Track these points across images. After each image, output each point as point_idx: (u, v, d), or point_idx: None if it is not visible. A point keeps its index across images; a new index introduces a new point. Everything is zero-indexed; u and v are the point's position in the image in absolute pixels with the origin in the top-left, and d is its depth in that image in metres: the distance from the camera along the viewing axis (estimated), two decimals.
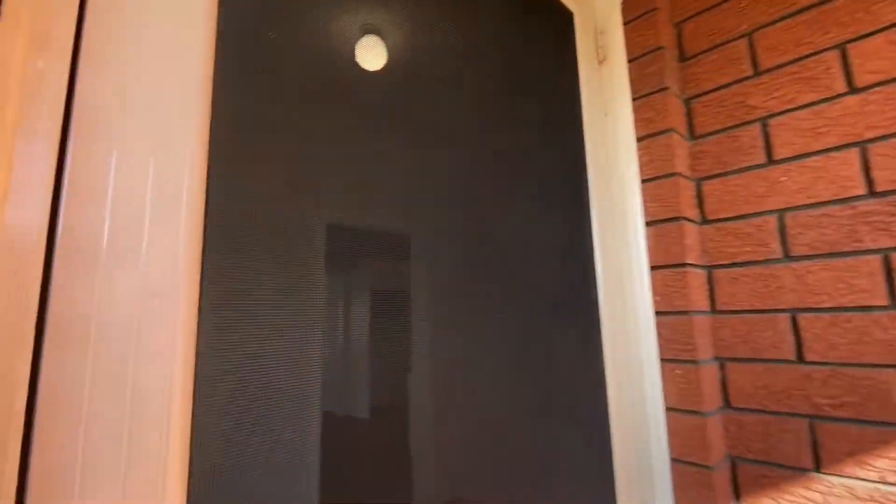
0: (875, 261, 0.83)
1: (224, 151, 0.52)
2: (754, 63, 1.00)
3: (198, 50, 0.51)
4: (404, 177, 0.72)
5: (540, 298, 0.90)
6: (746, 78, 1.01)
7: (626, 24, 1.14)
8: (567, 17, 1.12)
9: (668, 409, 0.97)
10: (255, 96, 0.56)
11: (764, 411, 0.92)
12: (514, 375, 0.82)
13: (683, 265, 0.97)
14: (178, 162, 0.47)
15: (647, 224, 1.04)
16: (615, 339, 1.01)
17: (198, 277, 0.47)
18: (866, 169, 0.85)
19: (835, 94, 0.89)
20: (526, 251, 0.89)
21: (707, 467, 0.90)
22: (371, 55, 0.72)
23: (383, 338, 0.65)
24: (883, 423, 0.80)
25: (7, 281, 0.36)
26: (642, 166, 1.06)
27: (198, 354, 0.47)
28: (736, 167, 1.00)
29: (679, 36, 1.13)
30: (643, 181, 1.06)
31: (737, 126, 1.01)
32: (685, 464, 0.93)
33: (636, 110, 1.09)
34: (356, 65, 0.69)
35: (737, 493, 0.94)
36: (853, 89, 0.87)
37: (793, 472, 0.87)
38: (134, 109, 0.45)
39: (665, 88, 1.05)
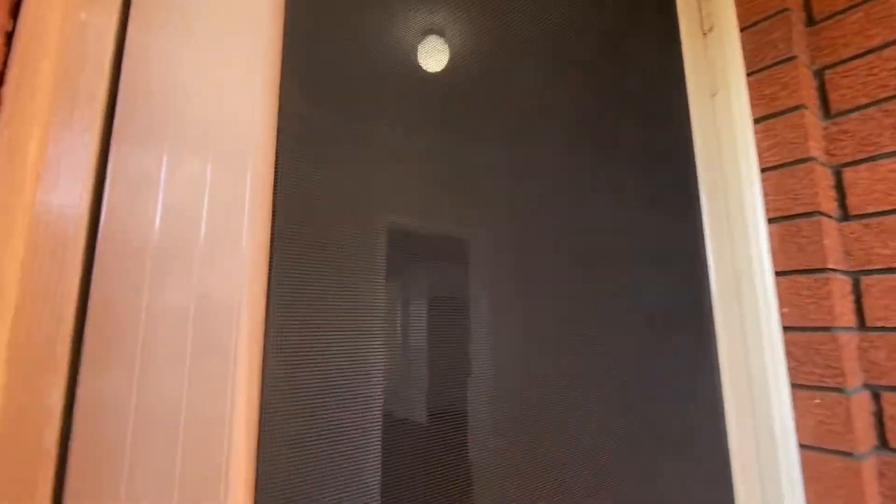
0: None
1: (290, 152, 0.45)
2: None
3: (264, 47, 0.44)
4: (475, 177, 0.62)
5: (640, 309, 0.76)
6: None
7: None
8: None
9: (803, 447, 0.79)
10: (320, 99, 0.49)
11: None
12: (607, 395, 0.70)
13: (823, 270, 0.79)
14: (239, 162, 0.40)
15: (770, 221, 0.87)
16: (733, 360, 0.85)
17: (264, 286, 0.40)
18: None
19: None
20: (622, 254, 0.76)
21: None
22: (438, 48, 0.63)
23: (458, 348, 0.56)
24: None
25: (42, 267, 0.30)
26: (762, 152, 0.89)
27: (263, 373, 0.39)
28: (891, 149, 0.81)
29: None
30: (763, 170, 0.88)
31: (892, 98, 0.81)
32: None
33: (752, 87, 0.92)
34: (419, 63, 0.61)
35: None
36: None
37: None
38: (192, 98, 0.38)
39: (792, 58, 0.87)
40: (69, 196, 0.32)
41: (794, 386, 0.81)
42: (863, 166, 0.84)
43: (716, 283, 0.86)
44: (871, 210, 0.82)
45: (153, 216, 0.35)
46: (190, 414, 0.34)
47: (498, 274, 0.61)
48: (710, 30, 0.96)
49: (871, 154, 0.83)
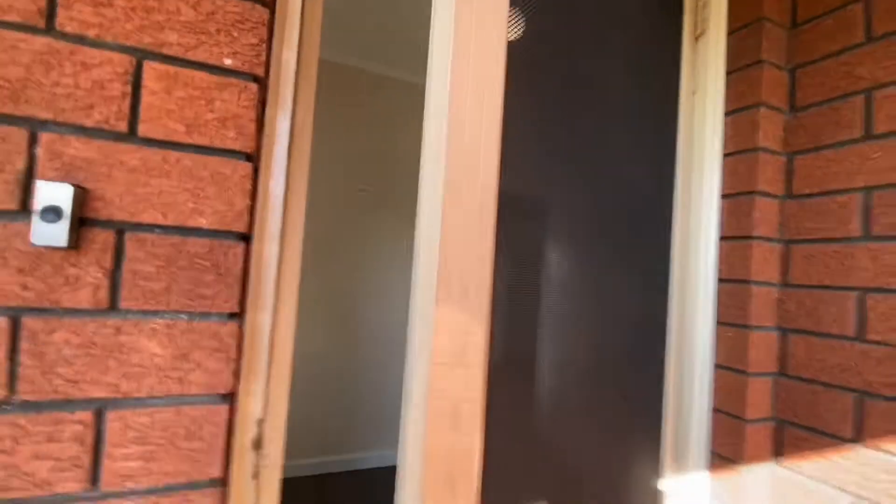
0: None
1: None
2: (868, 29, 0.94)
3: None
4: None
5: (627, 258, 1.07)
6: (857, 45, 0.95)
7: None
8: None
9: (717, 366, 1.07)
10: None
11: (815, 381, 0.96)
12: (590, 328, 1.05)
13: (749, 237, 1.02)
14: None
15: (724, 197, 1.09)
16: (681, 303, 1.13)
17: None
18: None
19: None
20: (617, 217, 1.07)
21: (743, 419, 1.00)
22: None
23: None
24: None
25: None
26: (726, 141, 1.10)
27: None
28: (830, 142, 0.98)
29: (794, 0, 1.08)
30: (725, 155, 1.10)
31: (839, 98, 0.97)
32: (723, 413, 1.04)
33: (730, 84, 1.11)
34: None
35: (778, 452, 1.01)
36: None
37: (833, 440, 0.92)
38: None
39: (760, 61, 1.05)
40: None
41: (719, 322, 1.08)
42: (809, 155, 1.02)
43: (675, 243, 1.12)
44: (806, 191, 1.01)
45: None
46: None
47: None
48: (702, 34, 1.15)
49: (816, 145, 1.01)
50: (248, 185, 0.55)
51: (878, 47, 0.92)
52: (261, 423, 0.66)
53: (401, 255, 2.97)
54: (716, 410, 1.06)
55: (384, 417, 2.89)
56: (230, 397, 0.55)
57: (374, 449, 2.86)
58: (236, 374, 0.55)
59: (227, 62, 0.55)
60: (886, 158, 0.89)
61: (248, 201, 0.54)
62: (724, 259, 1.08)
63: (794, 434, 0.99)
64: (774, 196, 1.05)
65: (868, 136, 0.92)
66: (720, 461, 1.04)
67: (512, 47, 0.91)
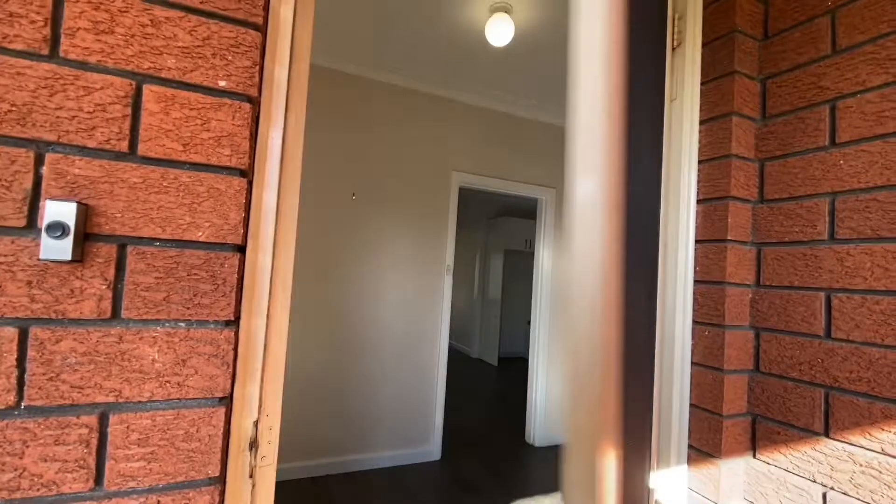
0: None
1: None
2: (833, 42, 0.99)
3: None
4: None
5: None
6: (824, 57, 1.00)
7: (706, 6, 1.18)
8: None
9: (694, 364, 1.12)
10: None
11: (786, 377, 1.01)
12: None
13: (724, 241, 1.07)
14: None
15: (699, 202, 1.14)
16: (664, 304, 1.17)
17: None
18: None
19: None
20: None
21: (720, 415, 1.05)
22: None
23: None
24: (892, 401, 0.85)
25: None
26: (702, 148, 1.15)
27: None
28: (798, 149, 1.03)
29: (766, 12, 1.13)
30: (700, 162, 1.15)
31: (806, 107, 1.03)
32: (700, 409, 1.09)
33: (704, 94, 1.16)
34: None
35: (754, 446, 1.06)
36: None
37: (803, 433, 0.97)
38: None
39: (733, 72, 1.10)
40: None
41: (695, 322, 1.12)
42: (777, 162, 1.07)
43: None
44: (776, 196, 1.07)
45: None
46: None
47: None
48: (678, 45, 1.20)
49: (784, 152, 1.06)
50: (243, 199, 0.58)
51: (841, 59, 0.97)
52: (256, 424, 0.69)
53: (395, 260, 3.00)
54: (693, 406, 1.11)
55: (378, 419, 2.92)
56: (227, 400, 0.58)
57: (368, 451, 2.89)
58: (232, 378, 0.58)
59: (222, 84, 0.58)
60: (849, 165, 0.94)
61: (242, 214, 0.58)
62: (700, 261, 1.13)
63: (767, 428, 1.04)
64: (747, 201, 1.10)
65: (833, 144, 0.97)
66: (697, 455, 1.09)
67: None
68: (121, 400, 0.53)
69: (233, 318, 0.57)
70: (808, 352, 0.98)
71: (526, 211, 6.50)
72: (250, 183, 0.65)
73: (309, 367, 2.73)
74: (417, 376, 3.06)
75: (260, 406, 0.72)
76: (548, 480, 2.88)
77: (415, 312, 3.06)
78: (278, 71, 0.71)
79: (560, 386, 3.53)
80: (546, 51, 2.56)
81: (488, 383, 5.42)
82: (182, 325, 0.55)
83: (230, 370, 0.57)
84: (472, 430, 3.72)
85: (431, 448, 3.10)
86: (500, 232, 6.53)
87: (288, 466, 2.61)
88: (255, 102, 0.61)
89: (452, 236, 3.20)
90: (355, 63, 2.83)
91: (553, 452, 3.35)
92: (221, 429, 0.57)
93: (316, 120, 2.76)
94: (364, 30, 2.46)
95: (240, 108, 0.59)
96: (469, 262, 7.27)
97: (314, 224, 2.76)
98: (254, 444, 0.68)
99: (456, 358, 6.75)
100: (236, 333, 0.59)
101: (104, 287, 0.52)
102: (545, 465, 3.12)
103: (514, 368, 6.15)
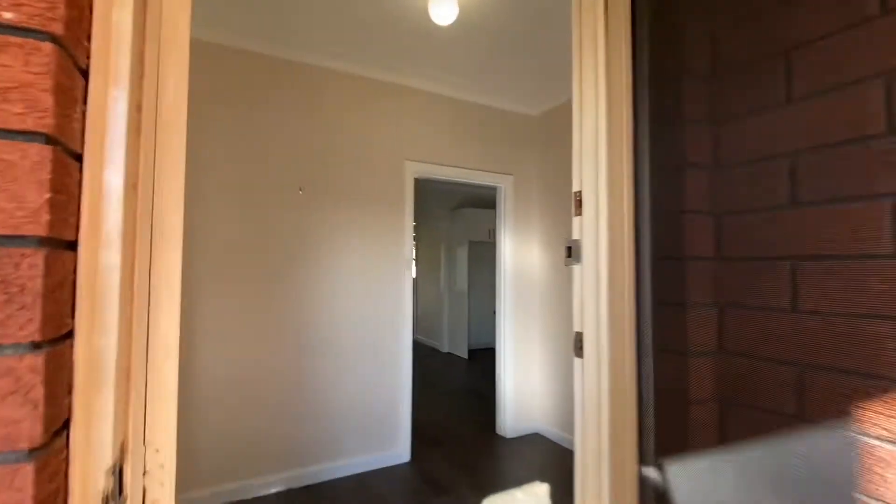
0: (886, 206, 0.77)
1: None
2: None
3: None
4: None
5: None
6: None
7: None
8: None
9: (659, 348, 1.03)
10: None
11: (753, 356, 0.93)
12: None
13: (682, 212, 0.98)
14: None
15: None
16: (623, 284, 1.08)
17: None
18: (889, 104, 0.76)
19: (865, 17, 0.79)
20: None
21: (687, 399, 0.96)
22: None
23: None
24: (867, 375, 0.78)
25: None
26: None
27: None
28: (752, 105, 0.95)
29: None
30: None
31: (759, 60, 0.94)
32: (669, 392, 1.00)
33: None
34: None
35: (722, 431, 0.98)
36: (886, 10, 0.77)
37: (776, 416, 0.89)
38: None
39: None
40: None
41: (659, 303, 1.03)
42: (731, 124, 0.99)
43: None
44: (733, 160, 0.98)
45: None
46: None
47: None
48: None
49: (738, 112, 0.97)
50: (47, 175, 0.42)
51: (796, 3, 0.89)
52: (115, 469, 0.53)
53: (350, 256, 2.83)
54: (659, 390, 1.02)
55: (339, 424, 2.75)
56: (41, 451, 0.42)
57: (331, 460, 2.72)
58: (47, 420, 0.42)
59: (7, 16, 0.42)
60: (808, 121, 0.86)
61: (46, 195, 0.42)
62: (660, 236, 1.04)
63: (736, 413, 0.96)
64: (704, 167, 1.01)
65: (788, 99, 0.89)
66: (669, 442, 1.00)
67: None
68: None
69: (40, 339, 0.42)
70: (776, 326, 0.90)
71: (487, 201, 6.42)
72: (79, 158, 0.49)
73: (259, 375, 2.53)
74: (380, 375, 2.91)
75: (123, 444, 0.56)
76: (520, 472, 2.81)
77: (375, 308, 2.90)
78: (116, 13, 0.54)
79: (529, 375, 3.46)
80: (494, 33, 2.44)
81: (458, 377, 5.32)
82: None
83: (39, 410, 0.41)
84: (441, 427, 3.61)
85: (399, 450, 2.96)
86: (463, 223, 6.41)
87: (234, 486, 2.41)
88: (64, 46, 0.45)
89: (410, 229, 3.06)
90: (288, 46, 2.62)
91: (524, 442, 3.29)
92: (36, 491, 0.41)
93: (258, 115, 2.54)
94: (302, 10, 2.26)
95: (37, 49, 0.42)
96: (434, 256, 7.14)
97: (259, 222, 2.55)
98: (112, 497, 0.53)
99: (426, 354, 6.62)
100: (52, 359, 0.43)
101: None
102: (517, 456, 3.05)
103: (485, 359, 6.08)
